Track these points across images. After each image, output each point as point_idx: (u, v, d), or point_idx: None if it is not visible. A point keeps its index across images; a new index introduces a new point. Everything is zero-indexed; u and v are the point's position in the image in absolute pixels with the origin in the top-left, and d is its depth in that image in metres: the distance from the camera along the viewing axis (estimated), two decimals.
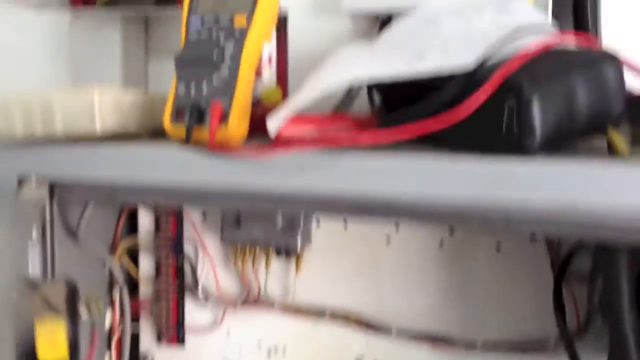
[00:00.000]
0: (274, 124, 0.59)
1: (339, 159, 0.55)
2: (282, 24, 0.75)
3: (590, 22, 0.71)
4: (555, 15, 0.74)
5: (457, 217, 0.53)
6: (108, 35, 0.91)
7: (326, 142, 0.55)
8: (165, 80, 0.95)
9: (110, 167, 0.63)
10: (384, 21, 0.84)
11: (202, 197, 0.62)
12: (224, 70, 0.66)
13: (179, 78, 0.67)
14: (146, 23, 0.95)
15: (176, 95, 0.67)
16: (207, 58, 0.66)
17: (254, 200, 0.60)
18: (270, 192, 0.58)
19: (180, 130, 0.65)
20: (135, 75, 0.94)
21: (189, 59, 0.67)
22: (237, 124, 0.65)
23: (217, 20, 0.67)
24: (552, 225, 0.50)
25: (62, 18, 0.92)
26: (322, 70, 0.65)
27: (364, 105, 0.74)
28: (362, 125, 0.67)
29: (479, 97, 0.52)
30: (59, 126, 0.62)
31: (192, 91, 0.66)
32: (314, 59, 0.75)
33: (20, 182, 0.66)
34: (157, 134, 0.72)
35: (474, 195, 0.51)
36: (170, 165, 0.62)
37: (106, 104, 0.62)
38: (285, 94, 0.76)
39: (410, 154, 0.54)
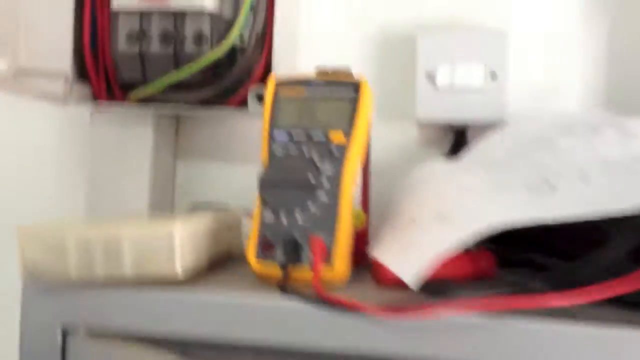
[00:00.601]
0: (410, 272, 0.48)
1: (500, 322, 0.45)
2: None
3: None
4: None
5: None
6: (137, 132, 0.79)
7: (497, 305, 0.44)
8: (194, 182, 0.84)
9: (185, 318, 0.50)
10: (458, 131, 0.75)
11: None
12: (322, 196, 0.55)
13: (265, 203, 0.55)
14: (177, 121, 0.84)
15: (262, 225, 0.55)
16: (301, 180, 0.55)
17: None
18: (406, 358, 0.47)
19: (270, 269, 0.53)
20: (164, 175, 0.82)
21: (278, 181, 0.56)
22: (342, 263, 0.54)
23: (309, 136, 0.57)
24: None
25: (82, 111, 0.79)
26: (438, 204, 0.55)
27: None
28: (479, 264, 0.57)
29: None
30: (128, 268, 0.49)
31: (284, 220, 0.55)
32: (392, 175, 0.65)
33: (65, 334, 0.52)
34: (215, 263, 0.60)
35: None
36: (266, 319, 0.49)
37: (186, 239, 0.50)
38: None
39: (585, 317, 0.44)
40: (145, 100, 0.76)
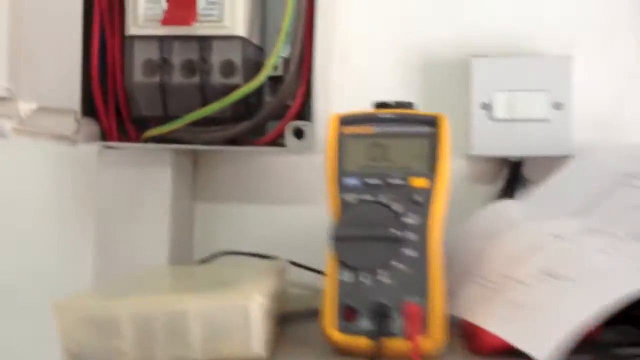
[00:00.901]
0: (545, 348, 0.40)
1: None
2: None
3: None
4: None
5: None
6: (153, 172, 0.70)
7: None
8: (214, 227, 0.75)
9: None
10: (515, 164, 0.69)
11: None
12: (408, 250, 0.47)
13: (342, 261, 0.47)
14: (195, 156, 0.75)
15: (341, 288, 0.47)
16: (383, 233, 0.47)
17: None
18: None
19: (356, 341, 0.45)
20: (183, 220, 0.73)
21: (354, 235, 0.48)
22: (440, 330, 0.46)
23: (385, 180, 0.49)
24: None
25: (89, 151, 0.70)
26: (540, 259, 0.48)
27: None
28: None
29: None
30: (196, 348, 0.40)
31: (365, 281, 0.47)
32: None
33: None
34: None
35: None
36: None
37: (263, 310, 0.42)
38: None
39: None
40: (164, 139, 0.67)
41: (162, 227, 0.69)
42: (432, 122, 0.51)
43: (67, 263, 0.73)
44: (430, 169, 0.49)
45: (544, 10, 0.69)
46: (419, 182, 0.49)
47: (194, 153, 0.74)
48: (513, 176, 0.69)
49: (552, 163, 0.66)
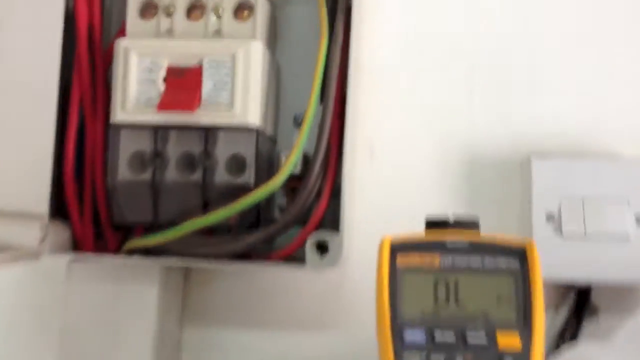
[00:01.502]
0: None
1: None
2: None
3: None
4: None
5: None
6: (136, 291, 0.56)
7: None
8: (204, 351, 0.60)
9: None
10: (581, 291, 0.56)
11: None
12: None
13: None
14: (185, 271, 0.61)
15: None
16: None
17: None
18: None
19: None
20: (169, 350, 0.58)
21: None
22: None
23: (461, 336, 0.36)
24: None
25: (56, 264, 0.56)
26: None
27: None
28: None
29: None
30: None
31: None
32: None
33: None
34: None
35: None
36: None
37: None
38: None
39: None
40: (151, 251, 0.53)
41: (144, 346, 0.55)
42: (518, 252, 0.38)
43: None
44: (523, 320, 0.37)
45: (619, 101, 0.58)
46: (509, 340, 0.36)
47: (185, 272, 0.60)
48: (580, 305, 0.56)
49: (631, 291, 0.55)
